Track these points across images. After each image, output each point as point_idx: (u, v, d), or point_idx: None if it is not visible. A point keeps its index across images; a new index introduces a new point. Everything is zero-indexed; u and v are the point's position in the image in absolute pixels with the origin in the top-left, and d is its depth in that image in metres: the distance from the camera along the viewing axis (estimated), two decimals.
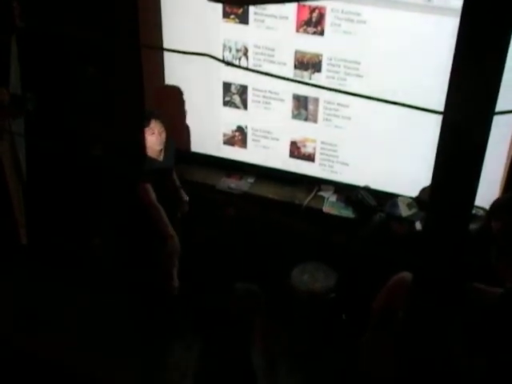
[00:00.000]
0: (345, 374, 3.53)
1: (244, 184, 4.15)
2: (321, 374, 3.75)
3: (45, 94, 4.28)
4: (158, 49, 4.19)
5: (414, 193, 3.78)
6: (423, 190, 3.81)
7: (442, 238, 1.28)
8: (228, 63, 3.98)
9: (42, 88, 4.24)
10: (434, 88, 3.24)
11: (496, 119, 1.23)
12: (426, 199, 3.25)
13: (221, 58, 4.03)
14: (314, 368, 3.78)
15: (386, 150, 3.88)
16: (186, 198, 3.97)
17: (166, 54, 4.22)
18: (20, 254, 4.37)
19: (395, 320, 2.28)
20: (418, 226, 3.53)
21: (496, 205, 3.02)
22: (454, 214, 1.23)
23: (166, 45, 4.19)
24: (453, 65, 1.16)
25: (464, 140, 1.20)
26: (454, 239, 1.27)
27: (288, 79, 3.59)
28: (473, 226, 3.63)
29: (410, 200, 3.74)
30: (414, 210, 3.67)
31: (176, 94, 4.28)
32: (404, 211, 3.68)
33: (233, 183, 4.06)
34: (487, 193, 3.51)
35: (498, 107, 1.22)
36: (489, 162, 3.52)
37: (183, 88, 4.29)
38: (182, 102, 4.30)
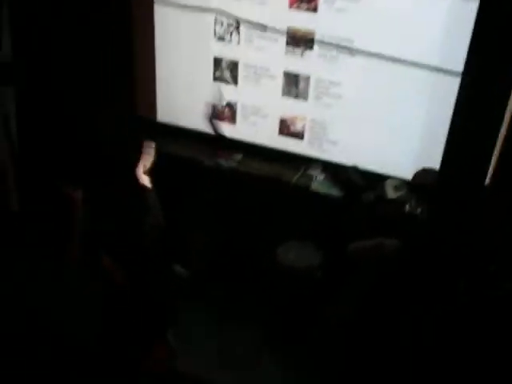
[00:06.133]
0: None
1: (232, 161, 4.12)
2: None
3: (36, 61, 4.23)
4: None
5: (402, 173, 3.71)
6: (417, 174, 3.60)
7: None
8: None
9: (33, 56, 4.18)
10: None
11: None
12: (418, 183, 3.21)
13: (212, 33, 3.98)
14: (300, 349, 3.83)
15: (376, 130, 3.84)
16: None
17: (157, 25, 4.16)
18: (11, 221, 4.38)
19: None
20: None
21: None
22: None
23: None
24: None
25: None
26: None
27: None
28: None
29: (398, 182, 3.71)
30: (400, 193, 3.66)
31: None
32: (390, 193, 3.67)
33: (220, 159, 4.03)
34: None
35: None
36: None
37: (174, 61, 4.24)
38: None
